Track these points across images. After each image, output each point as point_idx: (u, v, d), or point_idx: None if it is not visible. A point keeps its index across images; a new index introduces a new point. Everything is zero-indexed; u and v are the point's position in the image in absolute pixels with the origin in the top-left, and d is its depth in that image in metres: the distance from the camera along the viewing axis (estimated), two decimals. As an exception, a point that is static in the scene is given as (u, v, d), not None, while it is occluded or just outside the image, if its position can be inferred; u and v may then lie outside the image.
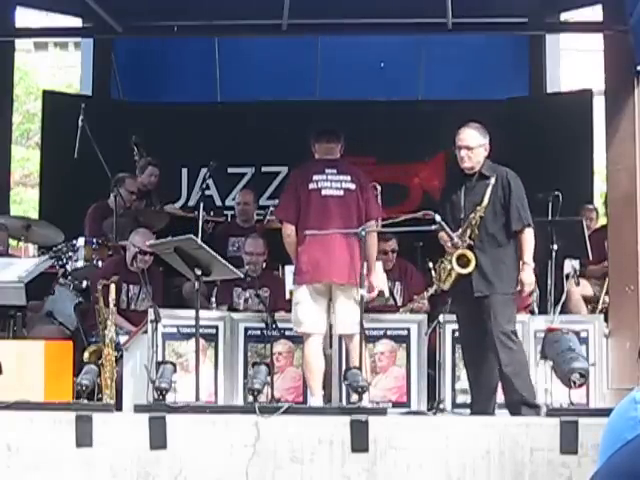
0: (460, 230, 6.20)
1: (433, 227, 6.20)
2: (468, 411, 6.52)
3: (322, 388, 6.40)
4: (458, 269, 6.16)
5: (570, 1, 9.55)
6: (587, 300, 7.75)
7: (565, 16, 10.30)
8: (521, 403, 5.98)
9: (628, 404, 1.62)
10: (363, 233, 6.17)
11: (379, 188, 7.72)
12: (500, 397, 6.50)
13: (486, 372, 6.21)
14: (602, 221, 8.44)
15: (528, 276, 6.18)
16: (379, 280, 6.73)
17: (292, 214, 6.46)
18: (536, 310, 7.77)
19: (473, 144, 6.28)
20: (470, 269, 6.14)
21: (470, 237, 6.20)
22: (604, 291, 7.45)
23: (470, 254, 6.15)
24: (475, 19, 8.46)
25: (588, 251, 7.39)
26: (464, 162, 6.30)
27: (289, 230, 6.44)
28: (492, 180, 6.18)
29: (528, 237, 6.24)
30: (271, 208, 8.87)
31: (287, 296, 6.82)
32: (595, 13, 8.47)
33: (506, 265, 6.23)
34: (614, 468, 1.57)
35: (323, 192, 6.44)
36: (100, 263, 7.78)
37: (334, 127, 6.81)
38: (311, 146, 6.65)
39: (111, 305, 6.39)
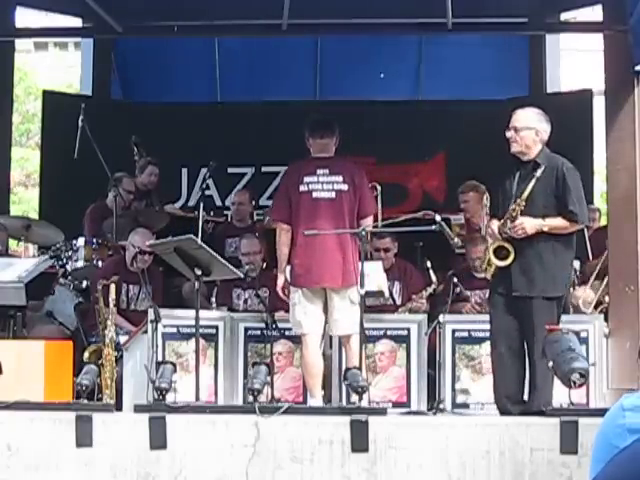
0: (501, 221, 6.00)
1: (433, 227, 6.19)
2: (468, 411, 6.52)
3: (322, 388, 6.40)
4: (495, 261, 5.97)
5: (570, 1, 9.56)
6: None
7: (565, 16, 10.30)
8: (539, 411, 5.91)
9: (616, 412, 1.62)
10: (363, 233, 6.16)
11: (379, 188, 7.71)
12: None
13: (514, 372, 6.07)
14: (604, 221, 8.43)
15: (529, 222, 5.85)
16: (380, 279, 6.73)
17: (286, 214, 6.43)
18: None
19: (520, 125, 6.00)
20: (507, 262, 5.94)
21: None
22: (599, 291, 7.42)
23: (509, 246, 5.94)
24: (475, 19, 8.46)
25: (588, 251, 7.40)
26: (511, 145, 6.01)
27: (285, 230, 6.42)
28: (538, 172, 5.87)
29: (569, 226, 5.91)
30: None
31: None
32: (595, 13, 8.48)
33: (555, 264, 5.94)
34: (611, 478, 1.57)
35: (314, 195, 6.38)
36: (100, 263, 7.78)
37: (329, 119, 6.66)
38: (305, 139, 6.57)
39: (111, 305, 6.39)
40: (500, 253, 6.00)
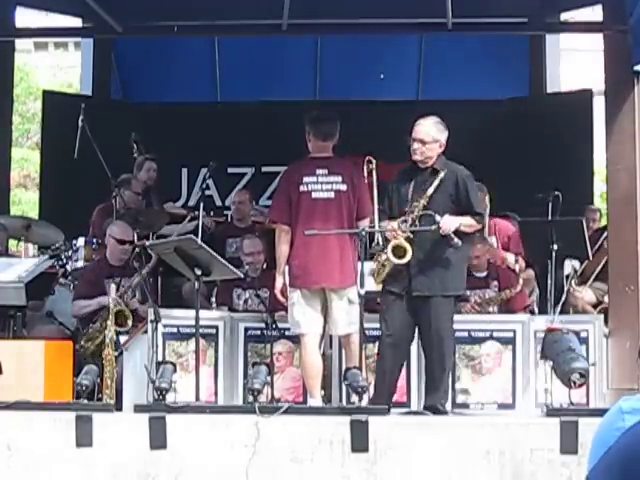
0: (401, 218, 6.18)
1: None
2: (468, 411, 6.53)
3: (322, 388, 6.39)
4: (394, 259, 6.10)
5: (570, 1, 9.55)
6: (593, 307, 7.75)
7: (565, 16, 10.30)
8: (435, 407, 6.06)
9: (615, 415, 1.61)
10: (363, 233, 6.16)
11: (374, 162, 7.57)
12: (494, 397, 6.50)
13: (398, 370, 6.23)
14: (604, 221, 8.43)
15: (451, 219, 6.10)
16: None
17: (286, 215, 6.42)
18: (536, 310, 7.78)
19: (428, 139, 6.25)
20: (405, 260, 6.09)
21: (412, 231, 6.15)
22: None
23: (407, 245, 6.10)
24: (475, 19, 8.45)
25: (588, 251, 7.39)
26: (415, 155, 6.28)
27: (285, 231, 6.41)
28: (442, 174, 6.16)
29: (476, 226, 6.26)
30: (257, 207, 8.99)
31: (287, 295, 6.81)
32: (595, 13, 8.48)
33: (452, 265, 6.18)
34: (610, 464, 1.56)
35: (313, 195, 6.38)
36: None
37: (332, 117, 6.59)
38: (306, 133, 6.53)
39: (111, 305, 6.39)
40: (398, 252, 6.13)
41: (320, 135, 6.47)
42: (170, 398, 5.83)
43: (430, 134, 6.26)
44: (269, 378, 6.12)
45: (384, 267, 6.23)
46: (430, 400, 6.15)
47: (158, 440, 5.59)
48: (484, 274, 7.56)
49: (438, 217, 6.14)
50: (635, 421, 1.58)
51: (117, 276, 7.25)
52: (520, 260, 7.68)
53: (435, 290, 6.13)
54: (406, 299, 6.18)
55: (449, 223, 6.09)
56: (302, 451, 5.57)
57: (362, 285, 6.01)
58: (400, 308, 6.20)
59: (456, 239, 6.15)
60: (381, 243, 6.31)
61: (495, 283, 7.52)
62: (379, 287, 6.63)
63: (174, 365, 6.10)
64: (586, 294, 7.69)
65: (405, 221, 6.17)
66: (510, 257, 7.76)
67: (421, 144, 6.24)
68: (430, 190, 6.15)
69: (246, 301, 7.47)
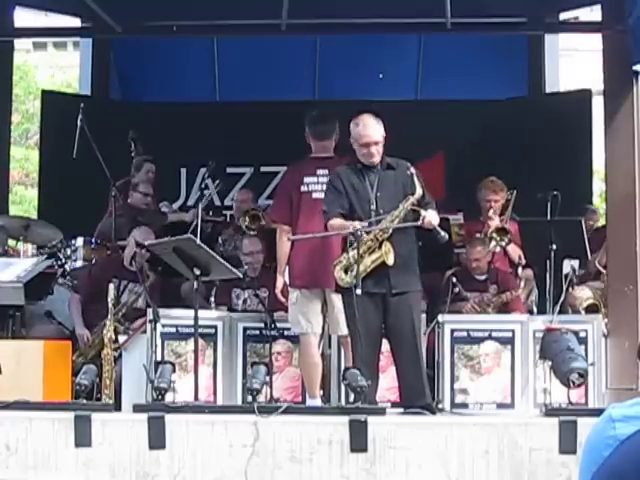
0: (388, 219, 6.04)
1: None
2: (467, 411, 6.53)
3: (321, 388, 6.39)
4: (370, 264, 5.98)
5: (569, 1, 9.55)
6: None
7: (564, 16, 10.30)
8: (424, 406, 6.00)
9: (605, 423, 1.60)
10: (359, 233, 6.13)
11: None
12: (488, 397, 6.51)
13: (377, 365, 6.15)
14: (603, 221, 8.43)
15: (432, 214, 6.04)
16: None
17: (287, 215, 6.42)
18: (535, 310, 7.78)
19: (380, 139, 6.17)
20: (391, 260, 5.99)
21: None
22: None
23: (386, 245, 6.03)
24: (474, 19, 8.45)
25: (587, 251, 7.40)
26: (373, 157, 6.15)
27: (285, 231, 6.40)
28: (412, 170, 6.12)
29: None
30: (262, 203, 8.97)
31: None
32: (594, 13, 8.48)
33: (415, 261, 6.16)
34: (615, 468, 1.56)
35: (314, 195, 6.39)
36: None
37: (330, 116, 6.60)
38: (305, 134, 6.54)
39: (110, 305, 6.38)
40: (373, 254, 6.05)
41: (317, 135, 6.50)
42: (169, 398, 5.83)
43: (380, 132, 6.19)
44: (268, 378, 6.12)
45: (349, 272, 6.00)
46: (424, 399, 6.06)
47: (157, 440, 5.59)
48: (484, 277, 7.55)
49: (422, 211, 6.09)
50: (629, 429, 1.58)
51: (126, 278, 7.25)
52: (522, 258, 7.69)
53: (410, 286, 6.07)
54: (382, 298, 6.03)
55: (432, 217, 6.02)
56: (301, 451, 5.57)
57: (357, 285, 5.93)
58: (375, 309, 6.04)
59: (442, 232, 6.10)
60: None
61: (494, 287, 7.52)
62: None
63: (173, 365, 6.10)
64: (584, 294, 7.69)
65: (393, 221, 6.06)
66: (516, 251, 7.72)
67: (376, 145, 6.16)
68: (419, 190, 6.08)
69: (245, 301, 7.47)
